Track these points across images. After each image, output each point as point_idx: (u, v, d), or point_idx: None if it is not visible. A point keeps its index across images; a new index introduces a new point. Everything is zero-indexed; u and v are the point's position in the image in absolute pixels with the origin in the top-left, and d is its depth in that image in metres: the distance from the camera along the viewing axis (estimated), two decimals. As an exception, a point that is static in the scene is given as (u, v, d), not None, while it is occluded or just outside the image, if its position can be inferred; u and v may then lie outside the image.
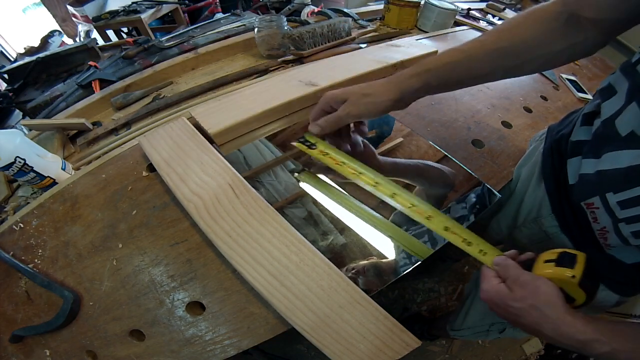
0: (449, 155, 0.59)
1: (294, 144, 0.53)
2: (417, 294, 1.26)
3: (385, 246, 0.48)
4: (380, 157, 0.56)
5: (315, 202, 0.52)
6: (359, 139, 0.53)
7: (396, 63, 0.74)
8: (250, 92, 0.62)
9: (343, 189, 0.54)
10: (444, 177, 0.57)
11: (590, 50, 0.42)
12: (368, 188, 0.47)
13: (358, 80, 0.68)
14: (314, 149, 0.50)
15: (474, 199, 0.53)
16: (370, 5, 1.22)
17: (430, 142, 0.61)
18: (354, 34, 0.95)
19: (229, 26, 1.01)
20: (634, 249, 0.40)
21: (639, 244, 0.37)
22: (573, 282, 0.33)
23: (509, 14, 1.27)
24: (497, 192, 0.54)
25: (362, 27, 1.03)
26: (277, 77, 0.69)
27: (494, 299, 0.37)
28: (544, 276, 0.35)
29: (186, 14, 1.98)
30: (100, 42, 1.34)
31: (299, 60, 0.84)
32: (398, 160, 0.59)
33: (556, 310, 0.33)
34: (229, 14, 1.16)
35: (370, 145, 0.56)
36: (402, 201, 0.45)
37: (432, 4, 0.99)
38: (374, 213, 0.52)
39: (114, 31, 1.80)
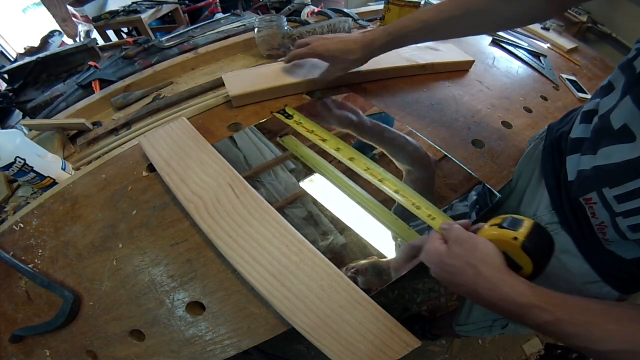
0: (449, 155, 0.59)
1: (274, 113, 0.60)
2: (417, 294, 1.26)
3: (385, 246, 0.48)
4: (365, 117, 0.64)
5: (315, 202, 0.52)
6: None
7: (426, 64, 0.77)
8: (280, 66, 0.72)
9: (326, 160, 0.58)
10: (422, 155, 0.59)
11: (541, 15, 0.49)
12: (332, 152, 0.54)
13: (381, 73, 0.76)
14: (290, 119, 0.58)
15: (475, 197, 0.53)
16: (370, 5, 1.22)
17: (430, 142, 0.61)
18: (354, 34, 0.94)
19: (229, 26, 1.01)
20: (633, 244, 0.40)
21: (636, 238, 0.37)
22: (515, 245, 0.32)
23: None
24: (497, 192, 0.54)
25: (362, 27, 1.03)
26: (309, 59, 0.77)
27: (432, 258, 0.36)
28: (485, 237, 0.34)
29: (186, 14, 1.98)
30: (100, 42, 1.34)
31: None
32: (366, 119, 0.64)
33: (493, 268, 0.32)
34: (229, 14, 1.16)
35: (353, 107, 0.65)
36: (359, 165, 0.53)
37: (432, 4, 0.99)
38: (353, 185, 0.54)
39: (114, 31, 1.80)
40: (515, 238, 0.32)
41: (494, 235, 0.33)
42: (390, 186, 0.49)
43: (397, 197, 0.48)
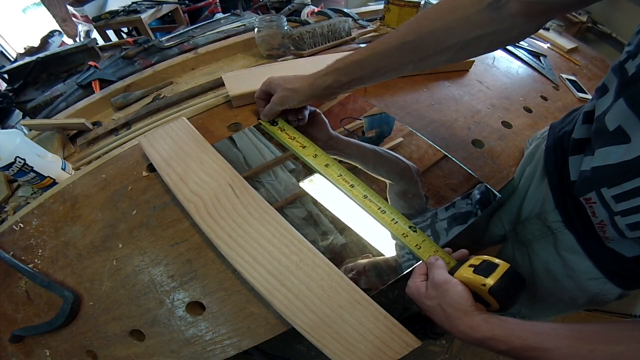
0: (449, 156, 0.59)
1: (260, 120, 0.61)
2: (417, 294, 1.26)
3: (385, 246, 0.48)
4: (333, 132, 0.61)
5: (315, 202, 0.52)
6: (306, 112, 0.60)
7: None
8: (279, 67, 0.71)
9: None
10: (394, 167, 0.57)
11: (517, 37, 0.42)
12: (309, 160, 0.54)
13: None
14: (275, 125, 0.59)
15: (479, 195, 0.54)
16: (370, 5, 1.22)
17: (430, 142, 0.61)
18: (354, 34, 0.94)
19: (229, 26, 1.01)
20: (632, 242, 0.40)
21: (634, 236, 0.37)
22: (483, 290, 0.37)
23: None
24: (498, 191, 0.54)
25: (362, 27, 1.02)
26: (310, 58, 0.79)
27: (413, 295, 0.42)
28: (459, 279, 0.39)
29: (186, 14, 1.98)
30: (100, 42, 1.34)
31: (299, 60, 0.84)
32: (349, 139, 0.61)
33: (457, 311, 0.37)
34: (229, 14, 1.16)
35: (321, 116, 0.62)
36: (332, 172, 0.53)
37: (432, 4, 0.99)
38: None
39: (114, 31, 1.80)
40: (484, 285, 0.37)
41: (466, 278, 0.39)
42: (359, 194, 0.51)
43: (365, 201, 0.50)
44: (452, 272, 0.41)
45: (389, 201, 0.52)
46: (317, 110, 0.63)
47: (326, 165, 0.53)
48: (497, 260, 0.40)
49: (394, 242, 0.48)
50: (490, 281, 0.37)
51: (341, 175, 0.52)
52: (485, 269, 0.38)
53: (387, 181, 0.55)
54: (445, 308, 0.37)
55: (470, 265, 0.40)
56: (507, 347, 0.33)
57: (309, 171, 0.55)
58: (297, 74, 0.56)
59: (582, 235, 0.47)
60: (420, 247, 0.46)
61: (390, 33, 0.46)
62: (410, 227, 0.47)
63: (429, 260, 0.43)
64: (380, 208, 0.49)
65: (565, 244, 0.50)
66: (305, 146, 0.55)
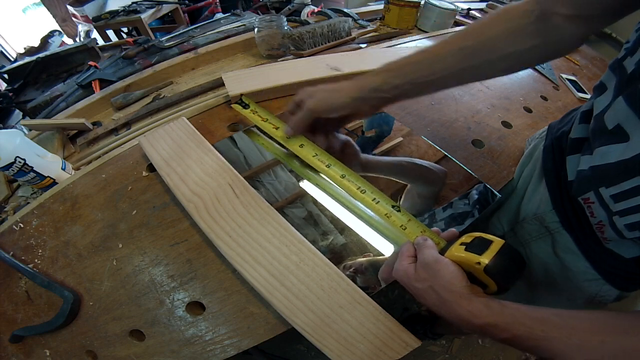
0: (449, 155, 0.59)
1: (233, 106, 0.58)
2: (417, 294, 1.26)
3: (385, 246, 0.48)
4: (363, 156, 0.57)
5: (315, 202, 0.52)
6: (340, 138, 0.54)
7: None
8: (279, 67, 0.70)
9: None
10: (431, 174, 0.57)
11: (568, 48, 0.41)
12: (282, 141, 0.51)
13: None
14: (247, 108, 0.56)
15: (477, 196, 0.53)
16: (370, 5, 1.22)
17: (430, 142, 0.61)
18: (354, 34, 0.95)
19: (229, 26, 1.01)
20: (631, 243, 0.40)
21: (633, 237, 0.37)
22: (478, 269, 0.33)
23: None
24: (498, 191, 0.54)
25: (362, 27, 1.03)
26: (310, 58, 0.79)
27: (402, 279, 0.38)
28: (451, 259, 0.35)
29: (186, 14, 1.98)
30: (100, 42, 1.34)
31: (299, 60, 0.84)
32: (382, 158, 0.59)
33: (452, 293, 0.33)
34: (229, 14, 1.16)
35: (354, 146, 0.56)
36: (306, 153, 0.49)
37: (432, 4, 0.99)
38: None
39: (114, 31, 1.80)
40: (478, 263, 0.33)
41: (458, 257, 0.35)
42: (335, 174, 0.47)
43: (342, 182, 0.46)
44: (442, 253, 0.37)
45: (401, 200, 0.52)
46: (349, 139, 0.56)
47: (300, 146, 0.49)
48: (490, 237, 0.36)
49: (394, 242, 0.48)
50: (485, 259, 0.33)
51: (316, 155, 0.48)
52: (478, 246, 0.35)
53: (416, 189, 0.54)
54: (439, 291, 0.34)
55: (462, 244, 0.36)
56: (510, 335, 0.31)
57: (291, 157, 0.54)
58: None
59: (580, 236, 0.47)
60: (405, 228, 0.42)
61: (444, 39, 0.43)
62: (393, 206, 0.44)
63: (417, 241, 0.39)
64: (359, 188, 0.45)
65: (563, 245, 0.50)
66: (278, 127, 0.53)
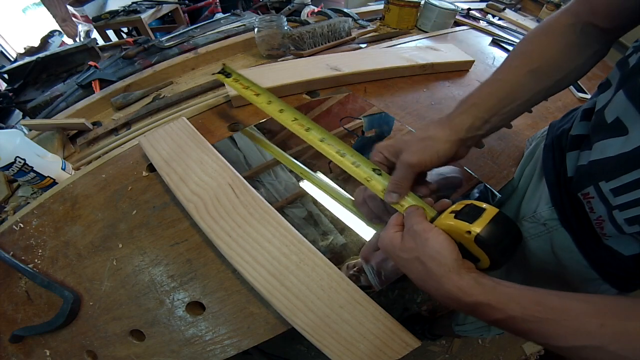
0: (449, 155, 0.59)
1: (214, 75, 0.59)
2: (417, 294, 1.26)
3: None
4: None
5: (315, 202, 0.52)
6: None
7: (426, 64, 0.76)
8: (279, 67, 0.70)
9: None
10: (457, 182, 0.58)
11: (607, 52, 0.42)
12: (263, 106, 0.51)
13: (381, 73, 0.75)
14: (229, 77, 0.57)
15: (478, 195, 0.54)
16: (370, 5, 1.22)
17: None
18: (354, 34, 0.95)
19: (229, 26, 1.01)
20: (630, 239, 0.40)
21: (632, 232, 0.37)
22: (468, 238, 0.30)
23: (509, 14, 1.27)
24: (498, 191, 0.54)
25: (362, 27, 1.03)
26: (310, 58, 0.79)
27: (386, 247, 0.35)
28: (440, 227, 0.32)
29: (186, 14, 1.98)
30: (100, 42, 1.34)
31: (299, 60, 0.84)
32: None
33: (440, 266, 0.30)
34: (229, 14, 1.16)
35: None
36: (286, 118, 0.48)
37: (432, 4, 0.99)
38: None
39: (114, 31, 1.80)
40: (469, 232, 0.30)
41: (448, 226, 0.31)
42: (314, 138, 0.45)
43: (322, 145, 0.44)
44: (431, 222, 0.34)
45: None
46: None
47: (280, 111, 0.49)
48: (483, 204, 0.32)
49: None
50: (476, 228, 0.29)
51: (296, 119, 0.47)
52: (469, 214, 0.31)
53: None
54: (426, 262, 0.31)
55: (452, 212, 0.33)
56: (504, 315, 0.28)
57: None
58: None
59: (578, 234, 0.47)
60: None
61: (507, 65, 0.42)
62: (374, 169, 0.41)
63: (407, 210, 0.36)
64: (339, 151, 0.43)
65: (561, 243, 0.50)
66: (258, 94, 0.53)
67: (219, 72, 0.58)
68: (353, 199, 0.50)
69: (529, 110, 0.45)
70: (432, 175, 0.55)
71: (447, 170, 0.58)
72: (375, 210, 0.45)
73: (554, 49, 0.41)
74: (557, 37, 0.41)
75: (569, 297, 0.28)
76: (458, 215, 0.32)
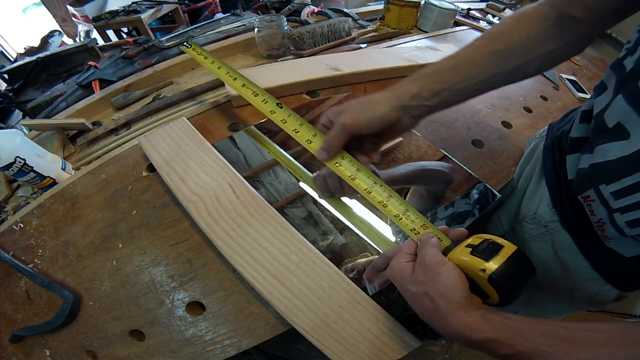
0: (449, 155, 0.59)
1: (181, 47, 0.64)
2: (417, 294, 1.26)
3: (385, 245, 0.48)
4: (378, 172, 0.55)
5: (315, 202, 0.52)
6: (378, 152, 0.48)
7: (426, 64, 0.75)
8: (279, 67, 0.70)
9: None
10: (442, 175, 0.58)
11: (582, 47, 0.43)
12: (236, 87, 0.54)
13: (381, 73, 0.75)
14: (189, 47, 0.62)
15: (477, 195, 0.54)
16: (370, 5, 1.22)
17: (430, 142, 0.61)
18: (354, 34, 0.94)
19: (229, 26, 1.01)
20: (632, 241, 0.40)
21: (634, 234, 0.37)
22: (482, 277, 0.30)
23: (509, 14, 1.27)
24: (498, 191, 0.54)
25: (362, 27, 1.03)
26: (310, 58, 0.79)
27: (395, 277, 0.35)
28: (454, 262, 0.32)
29: (186, 14, 1.98)
30: (100, 42, 1.34)
31: (299, 60, 0.84)
32: (394, 171, 0.57)
33: (449, 304, 0.30)
34: (229, 14, 1.16)
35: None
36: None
37: (432, 4, 0.99)
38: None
39: (114, 31, 1.80)
40: (483, 270, 0.30)
41: (462, 261, 0.31)
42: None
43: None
44: (445, 253, 0.33)
45: (407, 198, 0.53)
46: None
47: (243, 86, 0.53)
48: (501, 241, 0.32)
49: (395, 242, 0.48)
50: (492, 266, 0.29)
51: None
52: (486, 251, 0.31)
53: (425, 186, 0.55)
54: (435, 298, 0.30)
55: (468, 246, 0.32)
56: (513, 351, 0.28)
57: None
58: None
59: (579, 235, 0.47)
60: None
61: (472, 43, 0.43)
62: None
63: (422, 237, 0.36)
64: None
65: (562, 244, 0.50)
66: (219, 67, 0.56)
67: (184, 45, 0.63)
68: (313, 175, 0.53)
69: (487, 91, 0.44)
70: (412, 164, 0.56)
71: (433, 163, 0.58)
72: (331, 186, 0.49)
73: (521, 34, 0.41)
74: (527, 23, 0.41)
75: (577, 327, 0.28)
76: (474, 251, 0.31)
